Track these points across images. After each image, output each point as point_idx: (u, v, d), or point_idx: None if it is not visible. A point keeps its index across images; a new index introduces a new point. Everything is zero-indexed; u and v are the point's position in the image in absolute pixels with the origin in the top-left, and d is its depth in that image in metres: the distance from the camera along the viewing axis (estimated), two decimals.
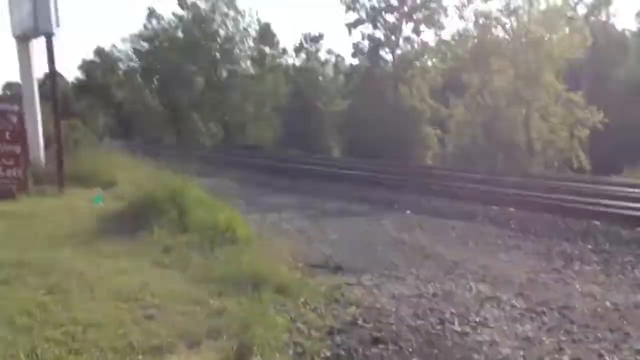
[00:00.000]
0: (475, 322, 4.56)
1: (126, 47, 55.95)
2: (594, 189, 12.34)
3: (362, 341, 3.87)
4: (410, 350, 3.77)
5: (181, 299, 4.35)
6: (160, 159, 21.82)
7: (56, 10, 9.76)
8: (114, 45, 59.67)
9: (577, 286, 5.82)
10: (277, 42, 45.40)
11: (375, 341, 3.86)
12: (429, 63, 35.56)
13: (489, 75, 27.29)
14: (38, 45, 10.37)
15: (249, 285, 4.74)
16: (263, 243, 7.62)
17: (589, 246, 7.71)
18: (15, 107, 9.55)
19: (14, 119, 9.25)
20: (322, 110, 39.81)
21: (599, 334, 4.32)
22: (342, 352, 3.65)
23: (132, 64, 56.21)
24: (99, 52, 64.11)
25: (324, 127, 39.37)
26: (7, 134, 9.15)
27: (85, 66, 65.36)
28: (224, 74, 47.38)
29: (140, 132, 55.89)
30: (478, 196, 11.45)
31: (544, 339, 4.19)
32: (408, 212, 10.84)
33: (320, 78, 42.99)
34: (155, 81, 52.69)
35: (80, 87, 68.04)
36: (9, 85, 54.73)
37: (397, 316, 4.59)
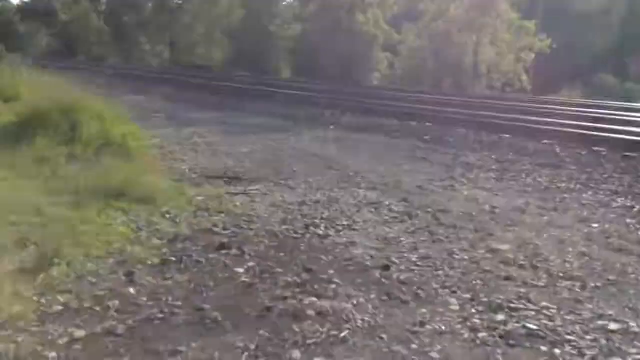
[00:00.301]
0: (343, 225, 4.43)
1: None
2: (514, 106, 12.42)
3: (205, 248, 3.67)
4: (252, 254, 3.58)
5: (23, 210, 4.05)
6: (96, 79, 21.19)
7: None
8: None
9: (465, 192, 5.80)
10: None
11: (220, 247, 3.65)
12: None
13: (445, 4, 27.55)
14: None
15: (112, 197, 4.50)
16: (160, 156, 7.40)
17: (494, 157, 7.71)
18: None
19: None
20: (274, 33, 38.67)
21: (462, 235, 4.26)
22: (173, 259, 3.41)
23: None
24: None
25: (276, 50, 38.40)
26: None
27: None
28: None
29: (85, 53, 53.92)
30: (403, 114, 11.34)
31: (403, 239, 4.10)
32: (332, 127, 10.68)
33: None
34: (102, 4, 50.60)
35: (25, 10, 64.76)
36: None
37: (263, 223, 4.40)
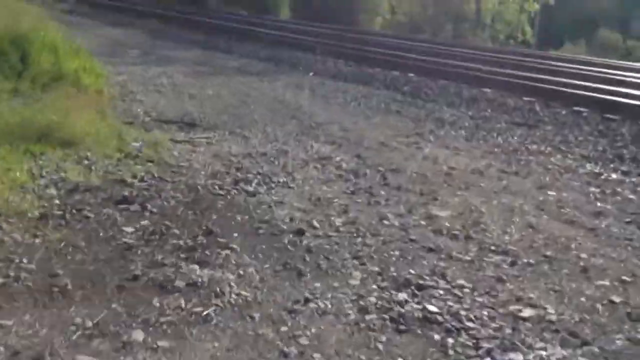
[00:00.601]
0: (278, 182, 4.13)
1: None
2: (507, 59, 11.90)
3: (104, 201, 3.35)
4: (154, 211, 3.26)
5: None
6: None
7: None
8: None
9: (427, 150, 5.48)
10: None
11: (121, 201, 3.33)
12: None
13: None
14: None
15: (34, 138, 4.18)
16: (118, 95, 7.05)
17: (470, 113, 7.34)
18: None
19: None
20: None
21: (403, 198, 3.98)
22: (58, 213, 3.09)
23: None
24: None
25: None
26: None
27: None
28: None
29: None
30: (387, 62, 10.86)
31: (336, 200, 3.81)
32: (311, 74, 10.22)
33: None
34: None
35: None
36: None
37: (190, 176, 4.10)
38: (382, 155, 5.15)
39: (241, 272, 2.58)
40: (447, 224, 3.50)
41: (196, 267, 2.58)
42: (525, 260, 3.05)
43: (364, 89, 9.06)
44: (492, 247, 3.18)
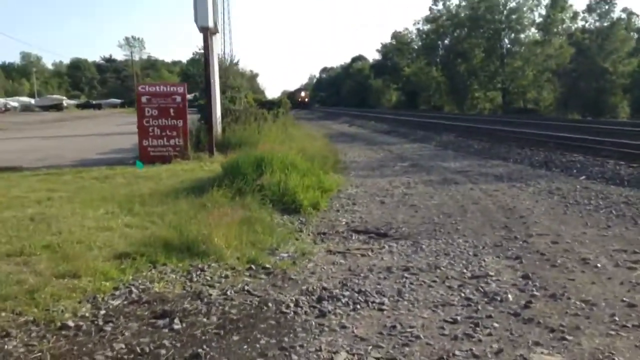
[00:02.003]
0: (372, 305, 3.58)
1: (415, 29, 59.88)
2: None
3: (140, 319, 3.35)
4: (184, 326, 3.09)
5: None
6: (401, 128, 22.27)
7: (215, 7, 10.96)
8: (406, 28, 64.78)
9: None
10: (570, 7, 41.79)
11: (160, 315, 3.27)
12: None
13: None
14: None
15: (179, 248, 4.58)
16: (338, 207, 7.23)
17: None
18: (181, 89, 10.94)
19: (178, 99, 10.62)
20: (609, 70, 34.55)
21: None
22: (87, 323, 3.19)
23: (419, 43, 59.25)
24: (395, 35, 68.38)
25: (612, 87, 34.14)
26: (172, 110, 10.57)
27: (383, 49, 70.61)
28: (507, 42, 45.85)
29: (425, 103, 57.75)
30: None
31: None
32: (582, 178, 8.81)
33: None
34: (437, 57, 53.87)
35: (377, 66, 73.91)
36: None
37: (286, 291, 3.88)
38: (583, 288, 3.94)
39: None
40: None
41: None
42: None
43: (637, 194, 7.35)
44: None
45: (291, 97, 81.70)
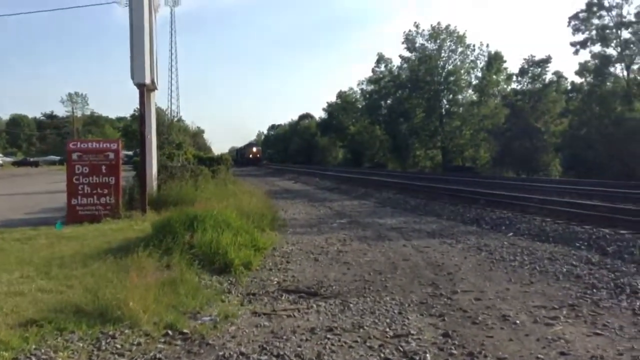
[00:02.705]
0: None
1: (359, 89, 61.87)
2: None
3: None
4: None
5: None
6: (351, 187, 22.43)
7: (152, 66, 11.00)
8: (350, 88, 66.99)
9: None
10: (505, 70, 44.24)
11: None
12: None
13: None
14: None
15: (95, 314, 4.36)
16: (271, 264, 7.14)
17: None
18: (114, 145, 10.75)
19: (111, 155, 10.41)
20: (541, 130, 36.40)
21: None
22: None
23: (363, 103, 60.94)
24: (340, 95, 70.19)
25: (544, 146, 35.87)
26: (104, 167, 10.33)
27: (329, 108, 72.11)
28: (445, 103, 47.81)
29: (368, 161, 58.85)
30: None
31: None
32: (510, 234, 9.09)
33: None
34: (380, 116, 55.38)
35: (322, 125, 75.21)
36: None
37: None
38: (500, 346, 3.97)
39: None
40: None
41: None
42: None
43: (561, 250, 7.61)
44: None
45: (241, 152, 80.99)
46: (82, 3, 23.12)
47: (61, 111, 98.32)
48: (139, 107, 11.41)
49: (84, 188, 10.23)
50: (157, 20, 13.09)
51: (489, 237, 8.97)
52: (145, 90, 11.21)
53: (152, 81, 11.87)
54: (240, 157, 75.89)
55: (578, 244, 7.92)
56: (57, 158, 74.44)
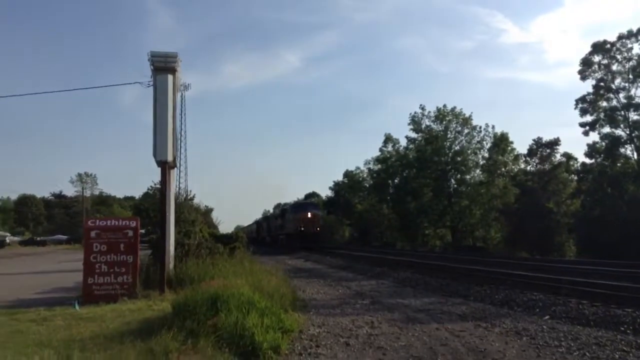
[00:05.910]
0: None
1: (366, 168, 62.48)
2: None
3: None
4: None
5: None
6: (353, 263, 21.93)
7: (174, 144, 11.10)
8: (357, 167, 67.63)
9: None
10: (512, 150, 44.54)
11: None
12: None
13: None
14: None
15: None
16: (297, 349, 6.74)
17: None
18: (133, 223, 10.50)
19: (130, 233, 10.17)
20: (553, 210, 36.08)
21: None
22: None
23: (370, 181, 61.24)
24: (347, 174, 70.73)
25: (557, 226, 35.43)
26: (122, 245, 10.07)
27: (336, 186, 72.33)
28: (453, 182, 47.85)
29: (377, 239, 58.21)
30: None
31: None
32: (546, 317, 8.63)
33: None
34: (388, 194, 55.42)
35: (328, 203, 75.17)
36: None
37: None
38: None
39: None
40: None
41: None
42: None
43: (606, 335, 7.18)
44: None
45: (275, 222, 76.46)
46: (105, 83, 23.62)
47: (70, 191, 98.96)
48: (158, 185, 11.30)
49: (101, 267, 9.93)
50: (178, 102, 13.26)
51: (524, 320, 8.53)
52: (167, 167, 11.14)
53: (174, 158, 11.84)
54: (268, 231, 61.28)
55: (622, 328, 7.49)
56: (64, 237, 74.14)
